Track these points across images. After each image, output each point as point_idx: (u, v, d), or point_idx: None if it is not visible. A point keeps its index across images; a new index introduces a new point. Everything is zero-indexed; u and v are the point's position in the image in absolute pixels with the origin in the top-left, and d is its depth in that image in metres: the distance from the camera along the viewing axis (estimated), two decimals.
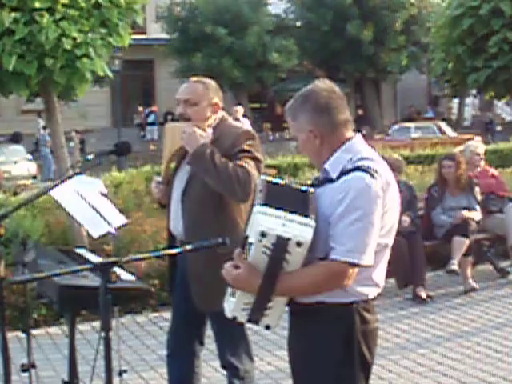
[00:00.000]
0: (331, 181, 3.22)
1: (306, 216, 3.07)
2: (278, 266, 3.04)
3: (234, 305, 3.20)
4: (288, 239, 2.99)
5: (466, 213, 8.60)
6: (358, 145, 3.30)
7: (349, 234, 3.09)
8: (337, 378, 3.26)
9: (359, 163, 3.18)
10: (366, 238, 3.10)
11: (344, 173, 3.18)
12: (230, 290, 3.26)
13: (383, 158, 3.40)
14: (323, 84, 3.35)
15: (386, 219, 3.22)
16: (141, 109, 37.96)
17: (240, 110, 18.11)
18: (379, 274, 3.28)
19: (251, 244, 3.06)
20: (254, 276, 3.07)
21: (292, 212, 3.06)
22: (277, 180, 3.34)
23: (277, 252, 3.01)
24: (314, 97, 3.28)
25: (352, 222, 3.09)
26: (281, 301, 3.18)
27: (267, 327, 3.23)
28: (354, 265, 3.10)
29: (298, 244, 3.00)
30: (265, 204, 3.08)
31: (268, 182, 3.27)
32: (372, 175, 3.13)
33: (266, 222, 3.01)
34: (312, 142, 3.29)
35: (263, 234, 2.99)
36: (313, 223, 3.05)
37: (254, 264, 3.08)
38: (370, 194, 3.11)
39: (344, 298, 3.20)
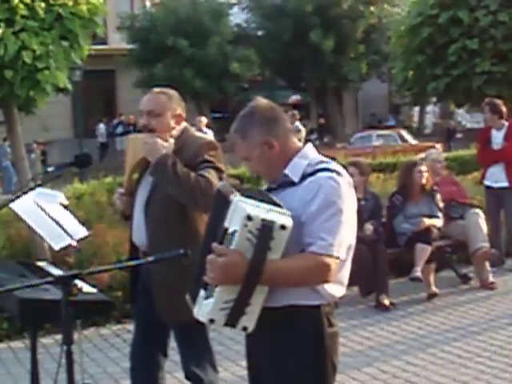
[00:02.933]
0: (292, 184, 3.28)
1: (280, 206, 3.14)
2: (264, 251, 3.03)
3: (212, 306, 3.12)
4: (272, 222, 3.01)
5: (427, 220, 8.67)
6: (312, 151, 3.40)
7: (326, 229, 3.15)
8: (306, 380, 3.29)
9: (322, 165, 3.27)
10: (342, 232, 3.18)
11: (307, 175, 3.25)
12: (203, 293, 3.19)
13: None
14: (263, 100, 3.44)
15: (351, 218, 3.29)
16: (103, 119, 37.85)
17: (203, 120, 18.09)
18: (345, 273, 3.35)
19: (234, 233, 3.04)
20: (242, 261, 3.02)
21: (268, 203, 3.13)
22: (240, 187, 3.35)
23: (263, 236, 3.01)
24: (260, 110, 3.36)
25: (328, 217, 3.16)
26: (260, 297, 3.14)
27: (244, 329, 3.18)
28: (335, 257, 3.15)
29: (283, 227, 3.03)
30: (242, 195, 3.12)
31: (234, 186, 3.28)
32: (339, 174, 3.24)
33: (250, 208, 3.03)
34: (267, 153, 3.32)
35: (249, 218, 2.99)
36: (289, 213, 3.10)
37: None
38: (341, 191, 3.20)
39: (314, 300, 3.24)
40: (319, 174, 3.23)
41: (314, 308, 3.26)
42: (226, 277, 3.05)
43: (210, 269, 3.07)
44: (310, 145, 3.46)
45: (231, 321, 3.14)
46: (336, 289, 3.31)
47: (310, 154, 3.38)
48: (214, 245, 3.08)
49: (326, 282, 3.19)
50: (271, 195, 3.25)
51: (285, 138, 3.36)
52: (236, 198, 3.10)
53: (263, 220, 3.01)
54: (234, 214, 3.07)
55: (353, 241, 3.33)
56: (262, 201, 3.14)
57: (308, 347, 3.26)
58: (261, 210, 3.05)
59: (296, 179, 3.28)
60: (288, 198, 3.23)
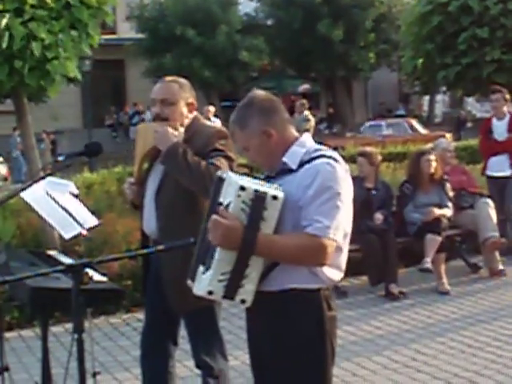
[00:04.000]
0: (290, 171, 3.35)
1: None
2: (257, 220, 3.13)
3: (210, 277, 3.19)
4: (265, 192, 3.13)
5: (436, 210, 8.65)
6: (309, 140, 3.48)
7: (322, 212, 3.21)
8: (306, 360, 3.33)
9: (318, 153, 3.35)
10: (338, 216, 3.24)
11: (304, 162, 3.33)
12: (202, 268, 3.26)
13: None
14: (260, 91, 3.54)
15: (347, 206, 3.34)
16: (112, 109, 37.88)
17: (211, 109, 18.09)
18: (343, 259, 3.41)
19: (229, 204, 3.15)
20: (240, 227, 3.13)
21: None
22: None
23: (256, 205, 3.11)
24: (258, 101, 3.45)
25: (324, 201, 3.22)
26: (256, 270, 3.21)
27: (243, 301, 3.24)
28: (331, 240, 3.20)
29: (274, 197, 3.14)
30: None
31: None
32: (335, 160, 3.30)
33: (242, 180, 3.17)
34: (266, 143, 3.40)
35: (242, 188, 3.10)
36: (280, 188, 3.23)
37: None
38: (338, 176, 3.27)
39: (312, 284, 3.30)
40: (316, 161, 3.30)
41: (314, 291, 3.32)
42: (226, 238, 3.13)
43: (214, 228, 3.15)
44: (307, 134, 3.53)
45: (229, 293, 3.21)
46: (334, 273, 3.37)
47: (308, 142, 3.46)
48: (220, 208, 3.17)
49: (323, 263, 3.25)
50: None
51: (283, 128, 3.44)
52: (229, 174, 3.24)
53: (256, 191, 3.13)
54: (228, 187, 3.20)
55: (349, 228, 3.38)
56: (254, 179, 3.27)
57: (309, 330, 3.32)
58: (253, 183, 3.18)
59: (294, 166, 3.35)
60: (286, 185, 3.29)
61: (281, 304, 3.30)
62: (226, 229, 3.12)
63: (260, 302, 3.26)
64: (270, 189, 3.19)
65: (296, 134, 3.49)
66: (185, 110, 4.58)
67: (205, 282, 3.22)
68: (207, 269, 3.22)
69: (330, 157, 3.31)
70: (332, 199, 3.22)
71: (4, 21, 7.81)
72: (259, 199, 3.12)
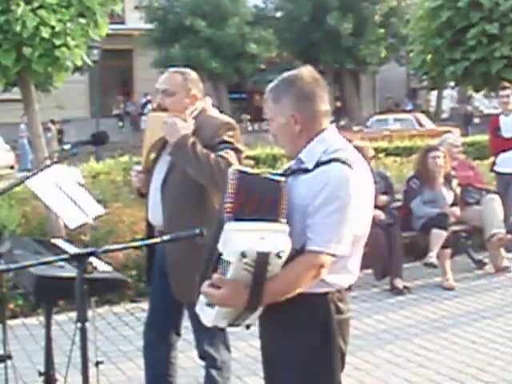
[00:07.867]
0: (306, 171, 3.22)
1: (277, 220, 3.07)
2: (262, 280, 3.03)
3: (215, 315, 3.16)
4: (268, 253, 2.98)
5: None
6: (332, 136, 3.30)
7: (326, 224, 3.09)
8: (313, 366, 3.26)
9: (335, 155, 3.17)
10: (342, 229, 3.12)
11: (320, 163, 3.17)
12: (205, 300, 3.19)
13: (355, 147, 3.43)
14: (308, 71, 3.33)
15: (362, 210, 3.22)
16: (120, 98, 37.86)
17: (208, 100, 18.02)
18: (354, 264, 3.31)
19: (229, 263, 3.02)
20: (240, 292, 3.04)
21: (263, 219, 3.05)
22: (247, 169, 3.24)
23: (259, 267, 3.00)
24: (300, 83, 3.27)
25: (330, 212, 3.09)
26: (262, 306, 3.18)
27: (247, 327, 3.24)
28: (331, 255, 3.11)
29: (278, 255, 3.00)
30: (236, 219, 3.05)
31: (239, 171, 3.17)
32: (350, 166, 3.14)
33: (243, 241, 2.97)
34: (291, 127, 3.27)
35: (244, 255, 2.95)
36: (286, 228, 3.07)
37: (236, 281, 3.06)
38: (349, 185, 3.11)
39: (319, 289, 3.21)
40: (330, 165, 3.14)
41: (320, 295, 3.24)
42: (227, 305, 3.10)
43: (210, 297, 3.12)
44: (332, 128, 3.35)
45: (234, 324, 3.21)
46: (343, 278, 3.28)
47: (330, 138, 3.28)
48: (215, 276, 3.08)
49: (319, 277, 3.15)
50: (274, 184, 3.17)
51: (312, 119, 3.27)
52: (227, 226, 3.04)
53: (258, 253, 2.97)
54: (228, 243, 3.02)
55: (362, 232, 3.27)
56: (256, 214, 3.06)
57: (313, 334, 3.24)
58: (254, 239, 2.99)
59: (310, 166, 3.21)
60: (299, 186, 3.19)
61: (286, 308, 3.22)
62: (221, 299, 3.07)
63: (267, 306, 3.21)
64: (275, 236, 3.01)
65: (324, 126, 3.30)
66: (186, 101, 4.56)
67: (209, 317, 3.20)
68: (210, 305, 3.17)
69: (344, 162, 3.14)
70: (338, 211, 3.10)
71: (20, 9, 7.81)
72: (263, 259, 2.98)
